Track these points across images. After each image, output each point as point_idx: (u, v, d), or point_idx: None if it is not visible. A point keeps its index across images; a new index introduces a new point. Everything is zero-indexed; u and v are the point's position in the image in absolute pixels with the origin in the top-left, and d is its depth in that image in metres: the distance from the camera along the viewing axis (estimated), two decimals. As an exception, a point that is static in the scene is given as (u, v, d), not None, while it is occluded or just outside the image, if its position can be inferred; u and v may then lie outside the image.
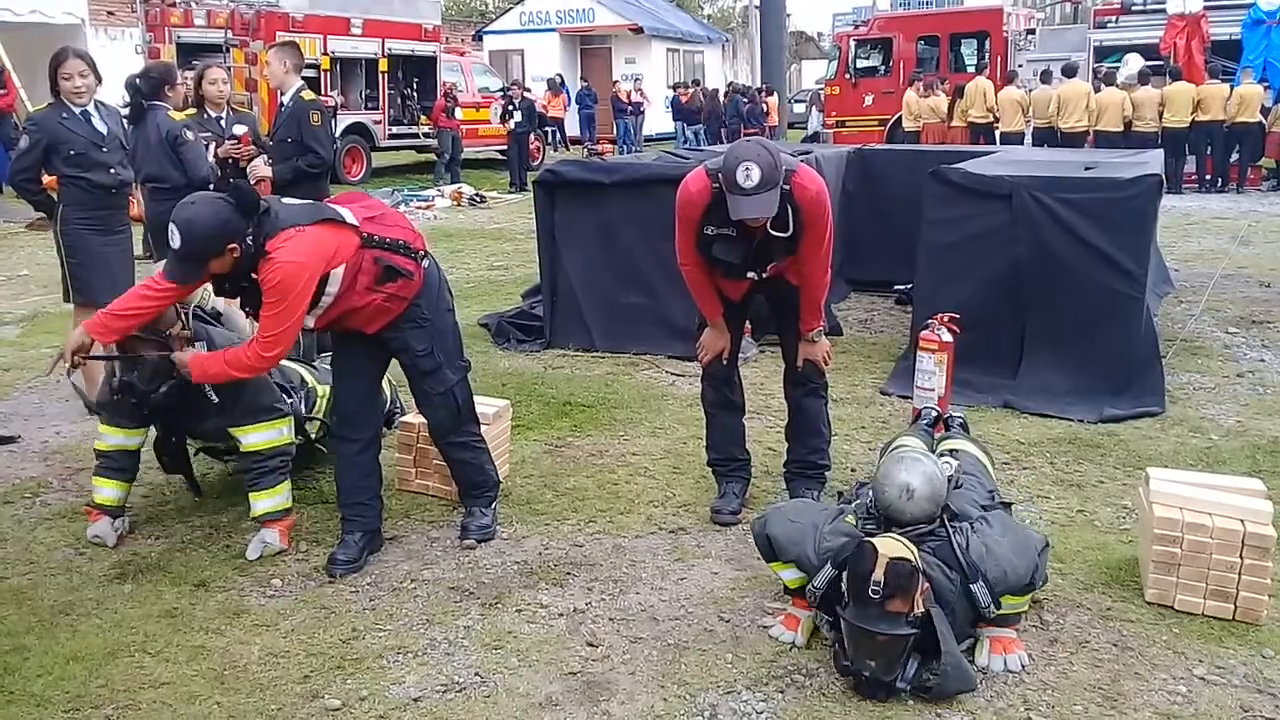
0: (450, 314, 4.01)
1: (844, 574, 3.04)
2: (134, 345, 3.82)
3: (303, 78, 6.76)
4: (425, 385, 3.95)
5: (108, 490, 4.11)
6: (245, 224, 3.47)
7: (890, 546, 2.98)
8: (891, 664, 2.94)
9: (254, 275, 3.52)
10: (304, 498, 4.49)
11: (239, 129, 6.32)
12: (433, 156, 19.38)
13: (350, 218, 3.67)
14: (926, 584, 2.99)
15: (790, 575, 3.33)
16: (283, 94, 6.62)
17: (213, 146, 6.29)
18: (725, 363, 4.27)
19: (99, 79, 5.43)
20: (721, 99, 24.04)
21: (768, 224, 3.74)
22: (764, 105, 22.04)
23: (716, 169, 3.73)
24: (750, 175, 3.54)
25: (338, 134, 17.51)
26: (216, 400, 3.92)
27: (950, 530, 3.19)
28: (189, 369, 3.72)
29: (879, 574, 2.89)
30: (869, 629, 2.91)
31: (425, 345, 3.85)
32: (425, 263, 3.85)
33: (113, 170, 5.44)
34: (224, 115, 6.45)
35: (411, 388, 4.05)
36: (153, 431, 4.18)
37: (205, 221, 3.44)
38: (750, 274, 4.00)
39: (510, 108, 18.40)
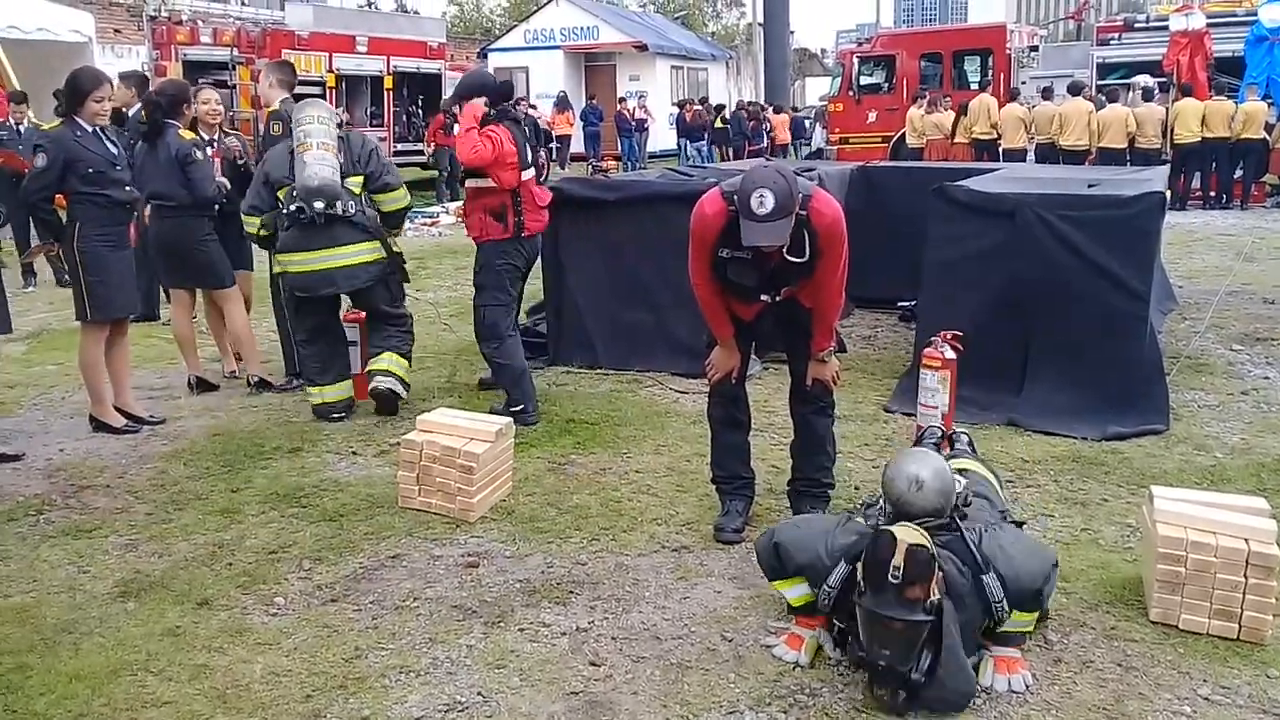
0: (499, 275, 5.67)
1: (859, 568, 3.04)
2: None
3: (309, 95, 6.80)
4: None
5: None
6: (499, 99, 5.62)
7: (908, 534, 2.97)
8: (908, 653, 2.92)
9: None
10: (307, 515, 4.50)
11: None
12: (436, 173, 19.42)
13: (528, 176, 5.62)
14: (941, 572, 2.99)
15: (793, 593, 3.32)
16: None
17: (218, 163, 6.33)
18: (734, 381, 4.27)
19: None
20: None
21: (784, 249, 3.74)
22: (768, 123, 22.09)
23: (732, 191, 3.74)
24: (764, 203, 3.55)
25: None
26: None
27: (963, 527, 3.19)
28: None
29: (898, 559, 2.89)
30: (887, 615, 2.90)
31: (476, 266, 5.75)
32: (514, 231, 5.62)
33: (128, 188, 5.52)
34: (216, 137, 6.50)
35: None
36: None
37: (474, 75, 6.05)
38: (764, 296, 4.00)
39: None
